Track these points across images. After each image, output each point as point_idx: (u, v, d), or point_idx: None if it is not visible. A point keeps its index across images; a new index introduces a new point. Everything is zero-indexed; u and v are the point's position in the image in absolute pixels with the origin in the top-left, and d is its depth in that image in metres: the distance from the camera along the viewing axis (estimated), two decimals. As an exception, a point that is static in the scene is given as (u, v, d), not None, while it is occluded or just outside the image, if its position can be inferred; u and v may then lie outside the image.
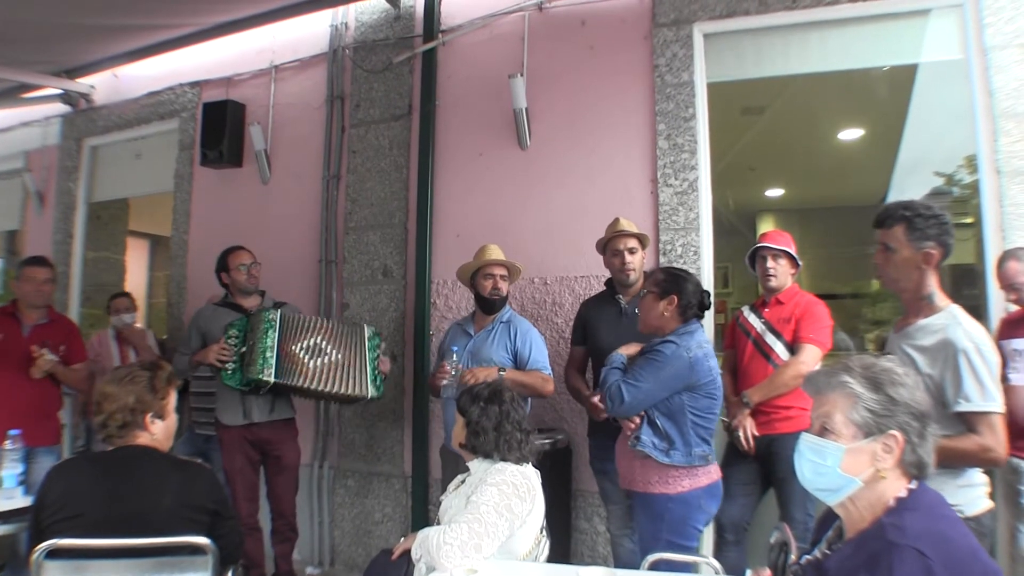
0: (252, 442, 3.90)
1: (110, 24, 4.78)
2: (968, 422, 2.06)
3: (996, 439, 2.05)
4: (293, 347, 3.71)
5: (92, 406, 2.52)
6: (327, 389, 3.69)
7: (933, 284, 2.25)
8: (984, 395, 2.06)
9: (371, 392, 3.76)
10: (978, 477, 2.16)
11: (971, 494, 2.12)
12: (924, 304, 2.26)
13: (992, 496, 2.19)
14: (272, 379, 3.64)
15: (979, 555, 1.44)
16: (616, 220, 3.52)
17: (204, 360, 3.79)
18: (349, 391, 3.72)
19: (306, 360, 3.71)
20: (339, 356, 3.76)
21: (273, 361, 3.66)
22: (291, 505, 4.08)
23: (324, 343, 3.77)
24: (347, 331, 3.85)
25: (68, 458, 2.42)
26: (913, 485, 1.52)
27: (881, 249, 2.30)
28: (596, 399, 3.31)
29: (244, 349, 3.72)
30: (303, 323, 3.80)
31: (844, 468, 1.54)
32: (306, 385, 3.68)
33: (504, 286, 3.64)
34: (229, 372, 3.72)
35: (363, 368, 3.77)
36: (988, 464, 2.12)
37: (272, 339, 3.69)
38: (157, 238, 8.19)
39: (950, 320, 2.16)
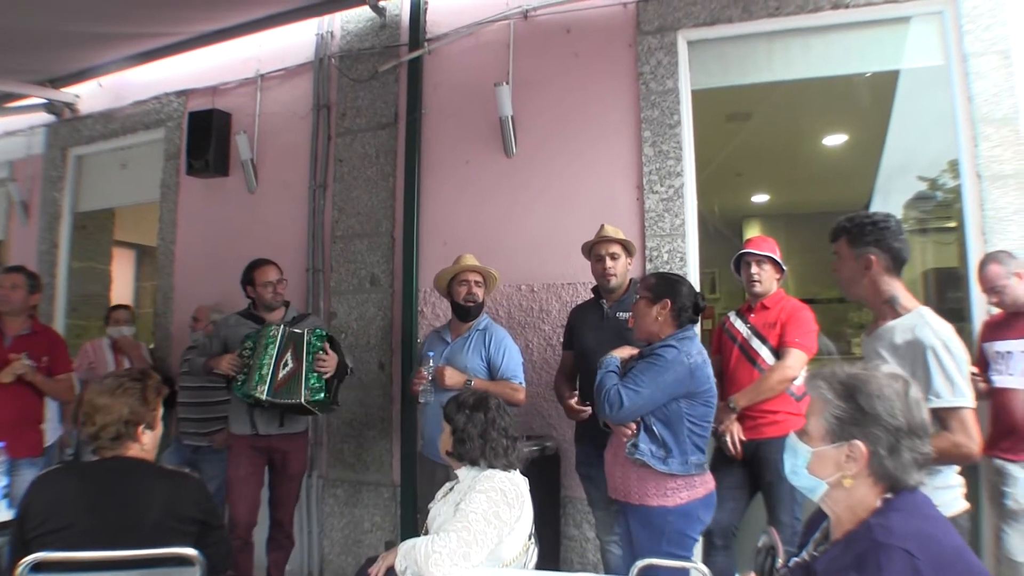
0: (260, 449, 3.88)
1: (95, 33, 4.75)
2: (940, 419, 2.08)
3: (967, 434, 2.07)
4: (281, 363, 3.70)
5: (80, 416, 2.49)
6: (282, 401, 3.67)
7: (893, 287, 2.30)
8: (953, 391, 2.08)
9: (303, 398, 3.62)
10: (954, 478, 2.18)
11: (948, 495, 2.13)
12: (888, 308, 2.30)
13: (968, 497, 2.21)
14: (265, 396, 3.63)
15: (965, 555, 1.44)
16: (602, 227, 3.54)
17: (217, 368, 3.78)
18: (291, 400, 3.66)
19: (279, 374, 3.69)
20: (293, 365, 3.71)
21: (269, 378, 3.65)
22: (290, 514, 4.07)
23: (290, 355, 3.74)
24: (298, 338, 3.76)
25: (52, 468, 2.38)
26: (889, 495, 1.51)
27: (834, 260, 2.42)
28: (573, 400, 3.34)
29: (251, 363, 3.73)
30: (294, 338, 3.77)
31: (811, 470, 1.59)
32: (277, 400, 3.66)
33: (479, 292, 3.62)
34: (239, 383, 3.73)
35: (300, 374, 3.68)
36: (962, 460, 2.13)
37: (271, 355, 3.69)
38: (143, 248, 8.12)
39: (918, 320, 2.20)
